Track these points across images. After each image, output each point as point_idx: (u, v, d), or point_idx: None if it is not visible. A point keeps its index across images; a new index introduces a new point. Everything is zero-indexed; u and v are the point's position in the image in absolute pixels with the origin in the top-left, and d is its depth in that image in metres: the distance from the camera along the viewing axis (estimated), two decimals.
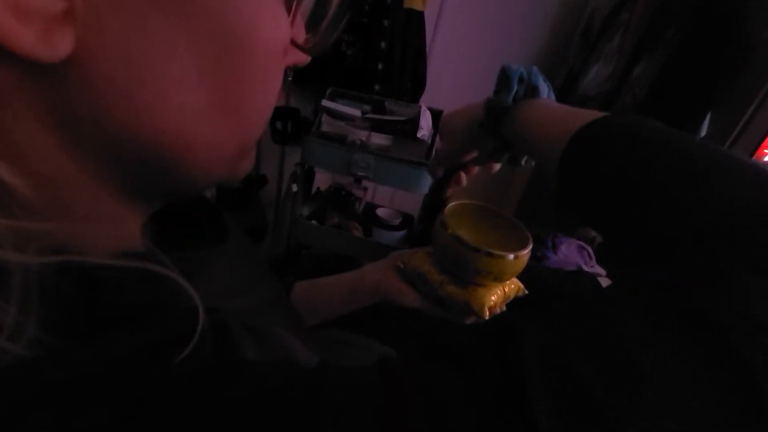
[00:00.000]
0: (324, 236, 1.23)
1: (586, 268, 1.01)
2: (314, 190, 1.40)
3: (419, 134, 1.07)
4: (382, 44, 1.24)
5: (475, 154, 0.49)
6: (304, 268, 1.31)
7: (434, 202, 0.53)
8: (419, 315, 0.47)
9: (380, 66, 1.27)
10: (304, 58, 0.25)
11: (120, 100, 0.17)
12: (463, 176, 0.52)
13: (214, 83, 0.19)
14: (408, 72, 1.31)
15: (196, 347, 0.18)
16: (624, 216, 0.26)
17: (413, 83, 1.34)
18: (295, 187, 1.20)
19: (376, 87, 1.28)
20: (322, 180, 1.41)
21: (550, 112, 0.37)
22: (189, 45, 0.17)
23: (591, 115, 0.31)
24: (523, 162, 0.47)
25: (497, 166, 0.50)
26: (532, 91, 0.41)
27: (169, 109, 0.18)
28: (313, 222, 1.24)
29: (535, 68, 0.41)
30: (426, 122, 1.10)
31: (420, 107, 1.11)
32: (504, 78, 0.41)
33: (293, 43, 0.23)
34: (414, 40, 1.30)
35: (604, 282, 0.90)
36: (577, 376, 0.17)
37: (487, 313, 0.44)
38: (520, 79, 0.41)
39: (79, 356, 0.16)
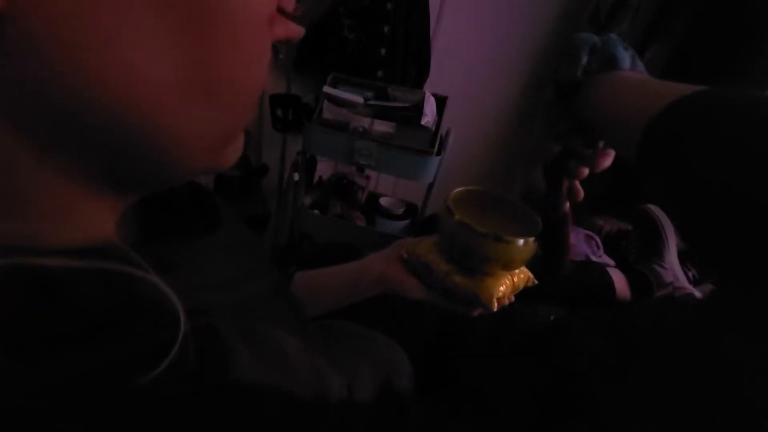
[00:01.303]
0: (326, 226, 1.21)
1: (594, 258, 0.99)
2: (316, 179, 1.38)
3: (423, 121, 1.04)
4: (385, 28, 1.21)
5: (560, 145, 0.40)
6: (306, 257, 1.29)
7: (551, 222, 0.42)
8: (424, 306, 0.46)
9: (383, 51, 1.24)
10: (295, 31, 0.22)
11: (66, 65, 0.14)
12: (577, 186, 0.41)
13: (185, 54, 0.16)
14: (412, 57, 1.28)
15: (174, 362, 0.16)
16: (720, 218, 0.20)
17: (417, 68, 1.31)
18: (296, 176, 1.19)
19: (379, 73, 1.25)
20: (324, 169, 1.39)
21: (629, 87, 0.30)
22: (147, 2, 0.15)
23: (678, 90, 0.25)
24: (600, 146, 0.39)
25: (606, 160, 0.39)
26: (610, 62, 0.33)
27: (128, 81, 0.16)
28: (316, 211, 1.23)
29: (613, 36, 0.35)
30: (430, 109, 1.07)
31: (424, 93, 1.08)
32: (572, 48, 0.34)
33: (280, 11, 0.20)
34: (418, 24, 1.26)
35: (613, 272, 0.88)
36: None
37: (496, 304, 0.42)
38: (593, 49, 0.34)
39: (22, 382, 0.14)
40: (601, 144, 0.39)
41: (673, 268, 0.90)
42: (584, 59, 0.34)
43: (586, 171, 0.40)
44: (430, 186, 1.12)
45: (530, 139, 0.43)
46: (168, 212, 0.27)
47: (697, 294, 0.72)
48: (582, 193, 0.41)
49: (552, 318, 0.71)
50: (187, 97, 0.17)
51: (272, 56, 0.21)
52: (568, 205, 0.42)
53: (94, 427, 0.14)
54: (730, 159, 0.20)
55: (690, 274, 0.93)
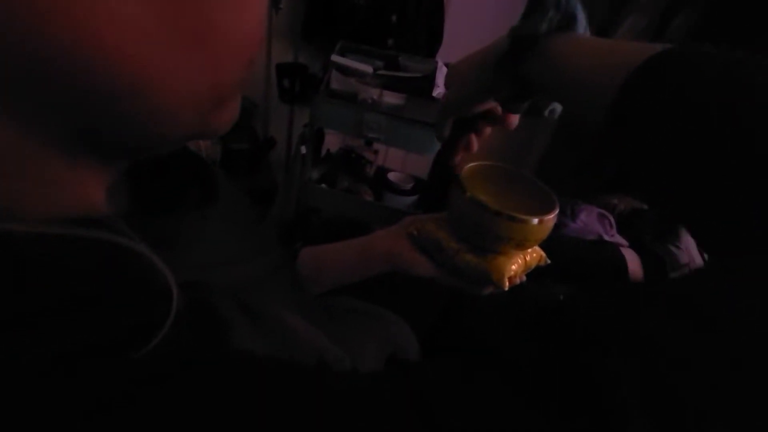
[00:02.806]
0: (334, 200, 1.20)
1: (606, 238, 0.97)
2: (324, 152, 1.36)
3: (435, 93, 1.00)
4: None
5: (488, 105, 0.40)
6: (313, 232, 1.29)
7: (441, 169, 0.47)
8: (433, 284, 0.45)
9: (394, 18, 1.18)
10: None
11: (30, 13, 0.12)
12: (474, 139, 0.43)
13: None
14: (424, 24, 1.22)
15: (168, 338, 0.15)
16: (715, 172, 0.19)
17: (429, 36, 1.25)
18: (303, 150, 1.16)
19: (390, 41, 1.20)
20: (332, 142, 1.37)
21: (593, 44, 0.29)
22: None
23: (650, 48, 0.23)
24: (546, 113, 0.39)
25: (515, 120, 0.41)
26: (569, 22, 0.32)
27: (100, 24, 0.13)
28: (323, 185, 1.21)
29: None
30: (443, 79, 1.03)
31: (436, 63, 1.03)
32: (538, 1, 0.32)
33: None
34: None
35: (626, 252, 0.86)
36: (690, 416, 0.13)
37: (507, 283, 0.41)
38: (556, 5, 0.32)
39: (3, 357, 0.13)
40: (546, 111, 0.39)
41: (688, 249, 0.88)
42: (550, 13, 0.31)
43: (488, 130, 0.43)
44: None
45: (454, 89, 0.42)
46: (162, 184, 0.25)
47: None
48: (476, 147, 0.44)
49: (561, 297, 0.70)
50: (169, 43, 0.15)
51: (273, 9, 0.19)
52: (460, 155, 0.44)
53: (81, 404, 0.13)
54: (731, 109, 0.19)
55: (706, 255, 0.91)
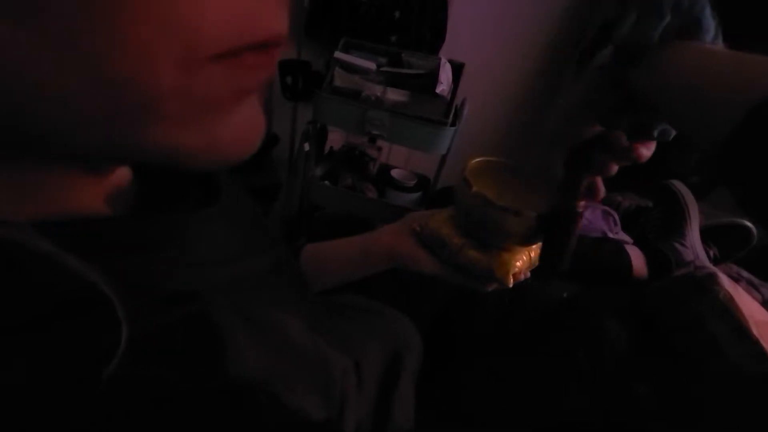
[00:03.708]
0: (337, 197, 1.20)
1: (611, 235, 0.96)
2: (327, 149, 1.36)
3: (438, 89, 1.00)
4: None
5: (597, 128, 0.32)
6: (316, 229, 1.29)
7: (561, 216, 0.37)
8: (437, 281, 0.44)
9: (397, 14, 1.18)
10: None
11: None
12: (600, 184, 0.35)
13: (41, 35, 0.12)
14: (427, 20, 1.21)
15: (130, 361, 0.14)
16: None
17: (433, 33, 1.24)
18: (307, 147, 1.16)
19: (393, 37, 1.20)
20: (335, 139, 1.36)
21: (717, 57, 0.24)
22: None
23: None
24: (656, 134, 0.31)
25: (647, 151, 0.32)
26: (693, 29, 0.27)
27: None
28: (326, 183, 1.21)
29: None
30: (446, 76, 1.02)
31: (440, 60, 1.03)
32: (650, 2, 0.27)
33: None
34: None
35: (631, 250, 0.85)
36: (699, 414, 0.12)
37: (512, 280, 0.41)
38: (676, 8, 0.26)
39: None
40: (656, 132, 0.31)
41: (694, 247, 0.87)
42: (667, 18, 0.26)
43: (614, 168, 0.34)
44: (444, 158, 1.09)
45: (554, 113, 0.34)
46: (163, 184, 0.25)
47: (720, 274, 0.69)
48: (602, 195, 0.35)
49: (565, 295, 0.70)
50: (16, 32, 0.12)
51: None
52: (583, 203, 0.36)
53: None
54: None
55: (711, 253, 0.90)
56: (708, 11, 0.27)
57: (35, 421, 0.14)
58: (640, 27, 0.27)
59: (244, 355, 0.20)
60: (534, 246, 0.43)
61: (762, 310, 0.66)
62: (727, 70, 0.23)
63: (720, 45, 0.28)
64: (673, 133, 0.31)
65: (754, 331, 0.57)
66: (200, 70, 0.14)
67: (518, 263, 0.41)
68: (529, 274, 0.44)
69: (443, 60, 1.03)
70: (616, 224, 1.02)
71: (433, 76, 1.00)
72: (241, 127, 0.17)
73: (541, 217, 0.37)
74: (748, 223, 0.89)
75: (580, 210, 0.36)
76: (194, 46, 0.14)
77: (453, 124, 1.00)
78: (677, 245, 0.86)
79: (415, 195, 1.26)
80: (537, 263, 0.44)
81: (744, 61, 0.23)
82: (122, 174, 0.22)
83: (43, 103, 0.13)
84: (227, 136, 0.17)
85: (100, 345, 0.15)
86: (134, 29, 0.12)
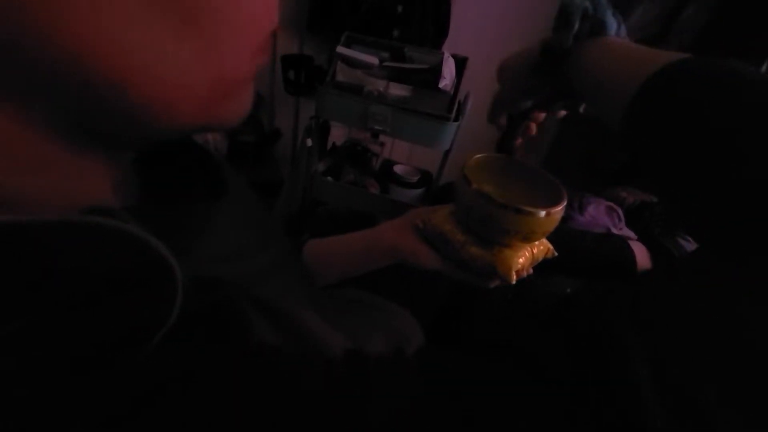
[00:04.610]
0: (339, 193, 1.20)
1: (615, 231, 0.96)
2: (330, 145, 1.35)
3: (441, 84, 0.99)
4: None
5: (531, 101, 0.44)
6: (319, 224, 1.29)
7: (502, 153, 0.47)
8: (439, 277, 0.44)
9: (400, 8, 1.17)
10: None
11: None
12: (533, 125, 0.46)
13: None
14: (430, 15, 1.20)
15: (173, 336, 0.15)
16: (713, 175, 0.21)
17: (436, 27, 1.23)
18: (309, 142, 1.16)
19: (395, 32, 1.19)
20: (338, 135, 1.36)
21: (619, 53, 0.31)
22: None
23: (667, 57, 0.25)
24: (581, 110, 0.43)
25: (563, 111, 0.45)
26: (599, 28, 0.34)
27: (77, 5, 0.12)
28: (329, 178, 1.21)
29: (603, 0, 0.35)
30: (449, 71, 1.01)
31: (443, 54, 1.02)
32: (564, 14, 0.34)
33: None
34: None
35: (634, 245, 0.85)
36: (701, 405, 0.14)
37: (514, 276, 0.40)
38: (584, 15, 0.34)
39: None
40: (581, 109, 0.42)
41: None
42: (576, 26, 0.34)
43: (543, 116, 0.45)
44: (446, 153, 1.09)
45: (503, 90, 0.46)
46: (170, 177, 0.25)
47: None
48: (534, 130, 0.46)
49: (568, 290, 0.69)
50: (157, 27, 0.14)
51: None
52: (520, 140, 0.47)
53: (86, 416, 0.13)
54: (727, 119, 0.21)
55: None
56: (609, 12, 0.34)
57: (80, 388, 0.14)
58: (557, 35, 0.34)
59: (269, 341, 0.20)
60: (536, 242, 0.43)
61: None
62: (623, 59, 0.29)
63: (624, 35, 0.35)
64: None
65: None
66: (256, 56, 0.18)
67: (520, 260, 0.41)
68: (531, 271, 0.44)
69: (446, 54, 1.02)
70: (620, 220, 1.01)
71: (436, 71, 0.99)
72: (247, 99, 0.21)
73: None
74: None
75: (517, 145, 0.47)
76: (261, 41, 0.18)
77: (456, 120, 0.99)
78: (681, 240, 0.86)
79: (418, 191, 1.25)
80: (540, 259, 0.44)
81: (638, 53, 0.29)
82: (128, 167, 0.22)
83: (147, 85, 0.15)
84: (240, 108, 0.20)
85: (157, 313, 0.16)
86: (233, 31, 0.17)
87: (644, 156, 0.27)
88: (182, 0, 0.14)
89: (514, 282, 0.41)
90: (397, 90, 1.00)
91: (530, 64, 0.37)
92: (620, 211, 1.02)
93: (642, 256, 0.83)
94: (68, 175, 0.17)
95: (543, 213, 0.37)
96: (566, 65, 0.35)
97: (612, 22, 0.34)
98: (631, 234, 0.94)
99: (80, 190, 0.18)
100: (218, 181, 0.27)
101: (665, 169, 0.25)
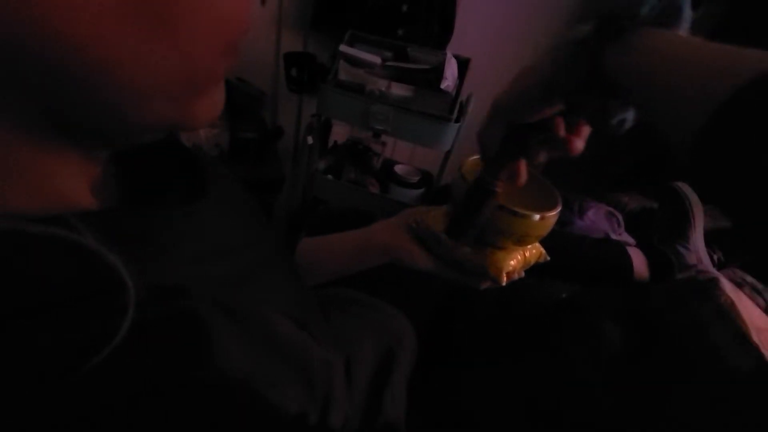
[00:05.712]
0: (340, 191, 1.20)
1: (614, 236, 0.95)
2: (331, 143, 1.36)
3: (443, 85, 0.99)
4: None
5: (546, 111, 0.32)
6: (316, 223, 1.30)
7: (478, 190, 0.36)
8: (432, 277, 0.44)
9: (405, 7, 1.16)
10: None
11: None
12: (523, 168, 0.34)
13: None
14: (436, 14, 1.20)
15: (121, 352, 0.14)
16: None
17: (441, 27, 1.23)
18: (311, 140, 1.16)
19: (400, 31, 1.19)
20: (339, 133, 1.36)
21: (696, 47, 0.24)
22: None
23: (760, 60, 0.20)
24: (614, 121, 0.31)
25: (579, 145, 0.33)
26: (670, 17, 0.27)
27: (51, 3, 0.13)
28: (329, 176, 1.21)
29: None
30: (451, 72, 1.01)
31: (445, 54, 1.02)
32: None
33: None
34: None
35: (632, 251, 0.84)
36: None
37: (505, 278, 0.40)
38: None
39: None
40: (614, 120, 0.31)
41: (697, 251, 0.86)
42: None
43: (543, 157, 0.34)
44: (448, 154, 1.09)
45: (507, 88, 0.33)
46: (150, 177, 0.25)
47: (722, 278, 0.68)
48: (523, 180, 0.35)
49: (564, 295, 0.69)
50: (131, 21, 0.14)
51: None
52: (502, 184, 0.35)
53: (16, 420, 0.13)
54: None
55: (715, 257, 0.89)
56: (689, 2, 0.27)
57: (23, 407, 0.14)
58: (628, 3, 0.27)
59: (228, 351, 0.20)
60: (529, 245, 0.43)
61: (763, 316, 0.65)
62: (705, 60, 0.23)
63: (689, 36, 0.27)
64: (628, 125, 0.31)
65: (755, 338, 0.56)
66: (226, 56, 0.18)
67: (512, 262, 0.41)
68: (523, 274, 0.44)
69: (449, 55, 1.02)
70: (619, 225, 1.01)
71: (439, 72, 0.99)
72: (219, 98, 0.21)
73: (470, 186, 0.37)
74: None
75: (498, 190, 0.35)
76: (231, 42, 0.18)
77: (457, 120, 0.99)
78: (680, 248, 0.85)
79: (418, 191, 1.25)
80: (532, 263, 0.44)
81: (721, 52, 0.23)
82: (106, 167, 0.22)
83: (122, 80, 0.15)
84: (212, 107, 0.20)
85: (100, 331, 0.15)
86: (204, 30, 0.17)
87: (725, 172, 0.21)
88: (154, 1, 0.15)
89: (504, 284, 0.41)
90: (399, 90, 1.00)
91: (575, 39, 0.29)
92: (620, 217, 1.01)
93: (639, 262, 0.83)
94: (41, 176, 0.17)
95: (537, 217, 0.37)
96: (620, 50, 0.27)
97: (688, 15, 0.27)
98: (629, 240, 0.94)
99: (53, 191, 0.18)
100: (200, 182, 0.26)
101: (754, 190, 0.20)
